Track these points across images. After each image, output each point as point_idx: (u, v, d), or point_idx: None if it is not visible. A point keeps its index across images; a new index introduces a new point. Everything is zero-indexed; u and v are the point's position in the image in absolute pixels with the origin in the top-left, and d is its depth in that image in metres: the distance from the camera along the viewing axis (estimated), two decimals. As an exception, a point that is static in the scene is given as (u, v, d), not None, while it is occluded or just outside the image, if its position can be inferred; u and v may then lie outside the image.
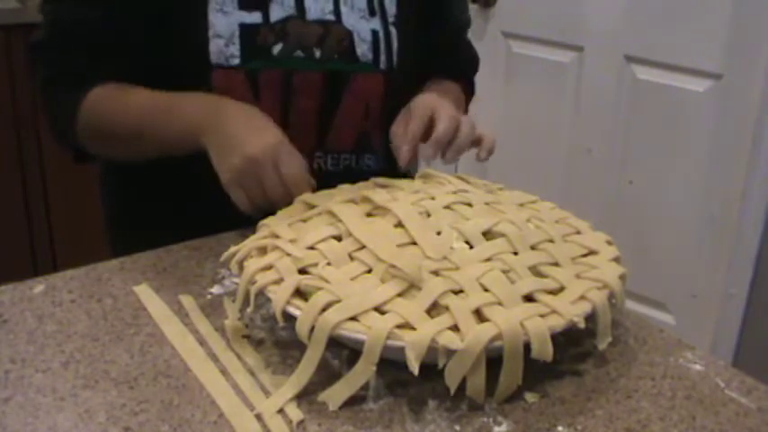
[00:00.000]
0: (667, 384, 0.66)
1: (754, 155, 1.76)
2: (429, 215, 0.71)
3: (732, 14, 1.74)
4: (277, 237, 0.70)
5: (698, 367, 0.68)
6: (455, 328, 0.59)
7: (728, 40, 1.75)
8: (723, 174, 1.83)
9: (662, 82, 1.88)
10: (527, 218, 0.74)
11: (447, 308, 0.61)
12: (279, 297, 0.63)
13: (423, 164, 0.88)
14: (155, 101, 0.87)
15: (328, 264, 0.66)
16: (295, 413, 0.59)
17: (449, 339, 0.58)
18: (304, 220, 0.74)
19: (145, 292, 0.76)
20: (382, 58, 0.96)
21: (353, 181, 0.83)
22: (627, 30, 1.91)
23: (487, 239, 0.69)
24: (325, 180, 0.83)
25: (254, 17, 0.88)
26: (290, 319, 0.62)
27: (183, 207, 0.92)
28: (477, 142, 0.87)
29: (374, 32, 0.95)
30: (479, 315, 0.61)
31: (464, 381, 0.59)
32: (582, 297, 0.65)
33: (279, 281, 0.65)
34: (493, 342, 0.59)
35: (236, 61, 0.88)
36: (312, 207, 0.76)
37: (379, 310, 0.61)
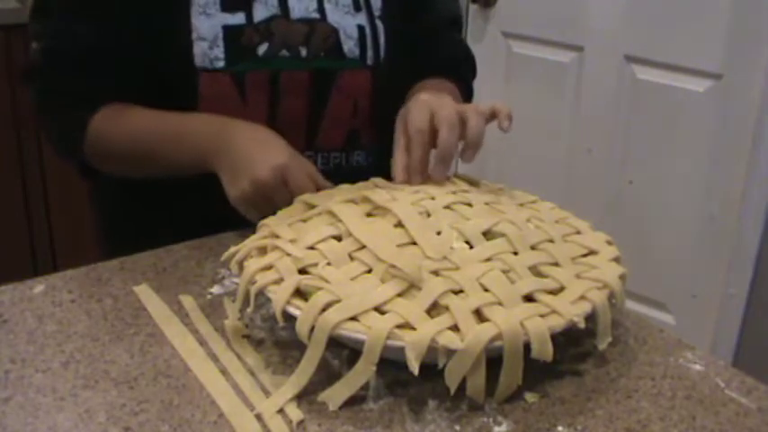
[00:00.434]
0: (667, 384, 0.66)
1: (754, 155, 1.76)
2: (429, 215, 0.71)
3: (732, 14, 1.74)
4: (277, 237, 0.70)
5: (698, 367, 0.68)
6: (455, 328, 0.59)
7: (728, 40, 1.75)
8: (723, 174, 1.83)
9: (662, 82, 1.88)
10: (527, 218, 0.74)
11: (447, 308, 0.61)
12: (279, 297, 0.63)
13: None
14: (162, 126, 0.88)
15: (328, 264, 0.66)
16: (295, 413, 0.59)
17: (449, 339, 0.58)
18: (304, 220, 0.74)
19: (145, 292, 0.76)
20: (369, 53, 0.95)
21: (344, 179, 0.83)
22: (627, 30, 1.91)
23: (487, 239, 0.69)
24: None
25: (238, 18, 0.88)
26: (290, 319, 0.62)
27: (180, 214, 0.92)
28: (493, 116, 0.82)
29: (360, 28, 0.95)
30: (479, 315, 0.61)
31: (464, 381, 0.59)
32: (582, 297, 0.64)
33: (279, 281, 0.65)
34: (493, 342, 0.59)
35: (221, 64, 0.87)
36: (312, 207, 0.76)
37: (379, 310, 0.61)
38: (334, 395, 0.60)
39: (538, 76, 2.12)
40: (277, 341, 0.69)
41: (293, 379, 0.61)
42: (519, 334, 0.59)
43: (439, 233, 0.69)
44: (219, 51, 0.87)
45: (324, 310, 0.60)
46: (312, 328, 0.60)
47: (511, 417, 0.61)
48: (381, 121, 0.99)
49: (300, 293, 0.64)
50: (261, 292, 0.65)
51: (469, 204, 0.75)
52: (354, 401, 0.61)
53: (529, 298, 0.64)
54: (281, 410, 0.60)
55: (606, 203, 2.03)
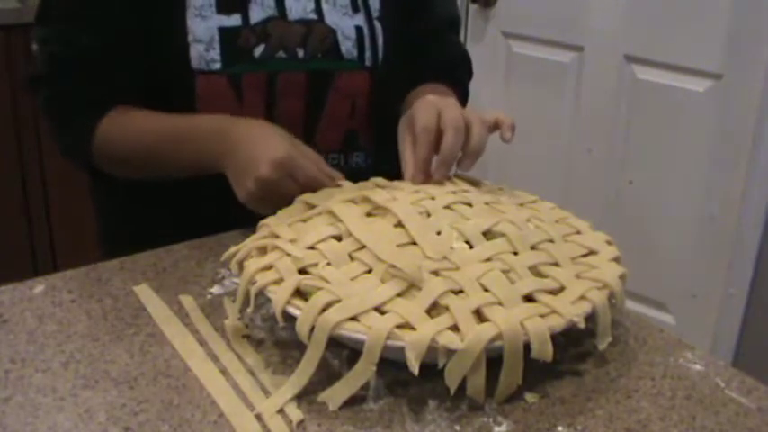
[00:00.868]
0: (667, 384, 0.66)
1: (754, 155, 1.76)
2: (429, 215, 0.71)
3: (732, 14, 1.74)
4: (277, 237, 0.70)
5: (698, 367, 0.68)
6: (455, 328, 0.59)
7: (728, 40, 1.75)
8: (723, 174, 1.83)
9: (662, 82, 1.88)
10: (527, 218, 0.74)
11: (447, 308, 0.61)
12: (279, 297, 0.63)
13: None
14: (169, 129, 0.88)
15: (328, 264, 0.66)
16: (295, 413, 0.59)
17: (449, 339, 0.58)
18: (304, 220, 0.74)
19: (145, 292, 0.76)
20: (367, 54, 0.95)
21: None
22: (627, 30, 1.91)
23: (487, 239, 0.69)
24: None
25: (234, 20, 0.88)
26: (290, 319, 0.62)
27: (180, 214, 0.91)
28: (495, 126, 0.83)
29: (358, 29, 0.94)
30: (479, 315, 0.61)
31: (464, 381, 0.59)
32: (582, 297, 0.64)
33: (279, 281, 0.65)
34: (493, 342, 0.59)
35: (218, 66, 0.87)
36: (312, 207, 0.76)
37: (379, 310, 0.61)
38: (334, 395, 0.60)
39: (538, 76, 2.12)
40: (277, 341, 0.69)
41: (293, 379, 0.61)
42: (519, 334, 0.59)
43: (439, 233, 0.69)
44: (216, 53, 0.87)
45: (324, 310, 0.60)
46: (312, 328, 0.60)
47: (511, 417, 0.61)
48: (379, 121, 0.99)
49: (300, 293, 0.64)
50: (261, 292, 0.65)
51: (469, 204, 0.75)
52: (354, 401, 0.61)
53: (529, 298, 0.64)
54: (281, 410, 0.60)
55: (606, 203, 2.03)
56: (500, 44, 2.16)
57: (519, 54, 2.14)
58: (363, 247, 0.67)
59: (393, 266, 0.64)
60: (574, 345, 0.70)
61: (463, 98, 1.07)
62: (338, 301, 0.61)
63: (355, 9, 0.95)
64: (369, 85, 0.96)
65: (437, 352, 0.58)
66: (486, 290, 0.63)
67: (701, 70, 1.81)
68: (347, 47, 0.93)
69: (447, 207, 0.74)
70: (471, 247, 0.68)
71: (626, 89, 1.95)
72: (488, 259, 0.67)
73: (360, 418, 0.60)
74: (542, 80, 2.11)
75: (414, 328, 0.59)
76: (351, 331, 0.59)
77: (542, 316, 0.62)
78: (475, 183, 0.83)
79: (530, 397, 0.63)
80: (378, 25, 0.96)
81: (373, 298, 0.61)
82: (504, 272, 0.65)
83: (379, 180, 0.81)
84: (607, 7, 1.94)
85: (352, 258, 0.66)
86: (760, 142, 1.75)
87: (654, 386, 0.65)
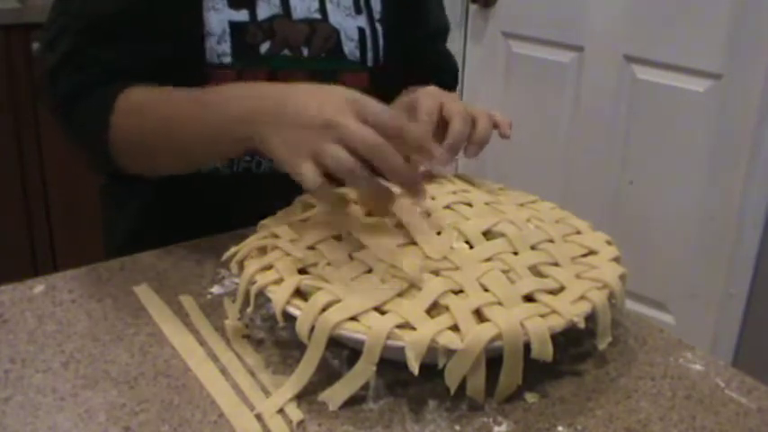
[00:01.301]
0: (667, 384, 0.66)
1: (754, 155, 1.77)
2: (429, 215, 0.71)
3: (732, 14, 1.74)
4: (277, 237, 0.71)
5: (698, 367, 0.68)
6: (455, 328, 0.59)
7: (728, 40, 1.75)
8: (723, 174, 1.83)
9: (662, 82, 1.88)
10: (527, 218, 0.74)
11: (447, 308, 0.61)
12: (279, 297, 0.63)
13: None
14: (193, 93, 0.80)
15: (328, 264, 0.66)
16: (295, 413, 0.59)
17: (449, 339, 0.58)
18: (304, 220, 0.74)
19: (145, 292, 0.76)
20: (369, 55, 0.95)
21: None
22: (627, 30, 1.91)
23: (487, 239, 0.69)
24: None
25: (242, 15, 0.88)
26: (290, 319, 0.62)
27: (181, 214, 0.91)
28: (494, 125, 0.83)
29: (361, 30, 0.95)
30: (479, 315, 0.61)
31: (464, 381, 0.59)
32: (582, 297, 0.64)
33: (279, 281, 0.65)
34: (493, 342, 0.59)
35: (228, 60, 0.87)
36: (312, 207, 0.76)
37: (379, 310, 0.61)
38: (334, 395, 0.60)
39: (538, 76, 2.12)
40: (277, 341, 0.69)
41: (293, 379, 0.61)
42: (519, 334, 0.59)
43: (439, 233, 0.69)
44: (227, 47, 0.87)
45: (324, 310, 0.60)
46: (312, 328, 0.60)
47: (511, 417, 0.61)
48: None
49: (300, 293, 0.64)
50: (261, 292, 0.65)
51: (469, 204, 0.75)
52: (354, 401, 0.61)
53: (529, 298, 0.64)
54: (281, 410, 0.60)
55: (606, 203, 2.03)
56: (500, 44, 2.16)
57: (519, 54, 2.14)
58: (363, 247, 0.67)
59: (393, 266, 0.64)
60: (574, 345, 0.70)
61: None
62: (338, 301, 0.61)
63: (358, 10, 0.95)
64: (367, 87, 0.96)
65: (437, 352, 0.58)
66: (486, 290, 0.63)
67: (701, 70, 1.81)
68: (350, 47, 0.94)
69: (447, 207, 0.74)
70: (471, 247, 0.68)
71: (626, 89, 1.95)
72: (488, 259, 0.67)
73: (360, 418, 0.60)
74: (542, 80, 2.11)
75: (414, 328, 0.59)
76: (351, 331, 0.59)
77: (542, 316, 0.62)
78: (475, 183, 0.83)
79: (530, 397, 0.63)
80: (379, 27, 0.97)
81: (373, 298, 0.61)
82: (504, 272, 0.65)
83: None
84: (607, 7, 1.94)
85: (352, 258, 0.66)
86: (760, 142, 1.75)
87: (654, 386, 0.66)
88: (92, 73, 0.85)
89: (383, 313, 0.61)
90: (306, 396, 0.61)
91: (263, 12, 0.89)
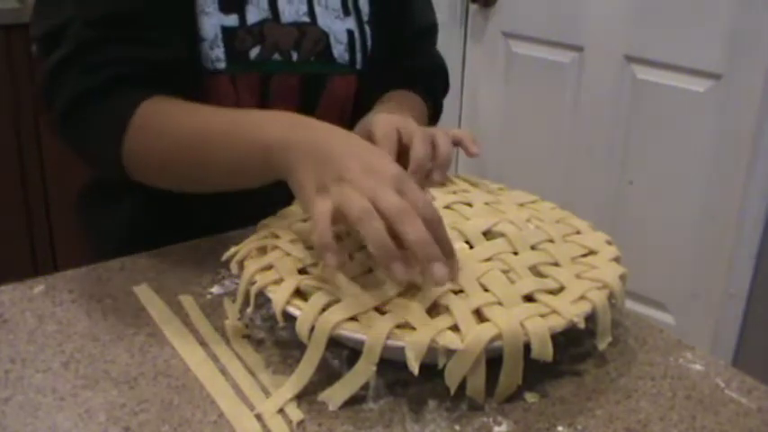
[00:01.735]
0: (667, 384, 0.66)
1: (754, 155, 1.77)
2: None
3: (732, 14, 1.74)
4: (277, 237, 0.71)
5: (698, 367, 0.68)
6: (455, 328, 0.59)
7: (728, 40, 1.75)
8: (723, 174, 1.83)
9: (662, 82, 1.88)
10: (527, 218, 0.74)
11: (447, 308, 0.61)
12: (279, 297, 0.63)
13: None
14: (221, 113, 0.77)
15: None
16: (295, 413, 0.59)
17: (449, 339, 0.58)
18: (304, 220, 0.74)
19: (145, 292, 0.76)
20: (358, 57, 0.95)
21: None
22: (627, 30, 1.92)
23: (487, 239, 0.69)
24: None
25: (232, 20, 0.87)
26: (290, 319, 0.62)
27: (181, 215, 0.91)
28: (457, 144, 0.83)
29: (350, 32, 0.94)
30: (479, 315, 0.61)
31: (464, 381, 0.59)
32: (582, 297, 0.64)
33: (279, 281, 0.65)
34: (493, 342, 0.59)
35: (222, 65, 0.87)
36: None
37: (379, 310, 0.61)
38: (334, 395, 0.60)
39: (538, 76, 2.12)
40: (277, 341, 0.69)
41: (293, 379, 0.61)
42: (519, 334, 0.59)
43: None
44: (220, 52, 0.86)
45: (324, 310, 0.60)
46: (312, 329, 0.60)
47: (511, 417, 0.61)
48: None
49: (300, 293, 0.64)
50: (261, 292, 0.65)
51: (469, 204, 0.75)
52: (354, 401, 0.61)
53: (529, 298, 0.64)
54: (281, 410, 0.60)
55: (606, 203, 2.03)
56: (500, 44, 2.16)
57: (519, 54, 2.14)
58: (363, 247, 0.67)
59: (393, 266, 0.63)
60: (574, 345, 0.70)
61: (434, 110, 1.05)
62: (338, 301, 0.61)
63: (346, 12, 0.95)
64: (355, 89, 0.96)
65: (437, 352, 0.58)
66: (486, 290, 0.63)
67: (700, 70, 1.81)
68: (339, 50, 0.93)
69: (447, 207, 0.74)
70: (471, 247, 0.68)
71: (626, 89, 1.95)
72: (488, 259, 0.67)
73: (360, 418, 0.60)
74: (542, 80, 2.11)
75: (414, 329, 0.59)
76: (351, 331, 0.59)
77: (542, 316, 0.62)
78: (475, 183, 0.83)
79: (530, 397, 0.63)
80: (368, 29, 0.96)
81: (373, 298, 0.61)
82: (504, 272, 0.65)
83: None
84: (607, 7, 1.94)
85: (352, 258, 0.66)
86: (760, 142, 1.75)
87: (654, 386, 0.66)
88: (97, 77, 0.81)
89: (383, 313, 0.61)
90: (306, 396, 0.61)
91: (252, 16, 0.88)
